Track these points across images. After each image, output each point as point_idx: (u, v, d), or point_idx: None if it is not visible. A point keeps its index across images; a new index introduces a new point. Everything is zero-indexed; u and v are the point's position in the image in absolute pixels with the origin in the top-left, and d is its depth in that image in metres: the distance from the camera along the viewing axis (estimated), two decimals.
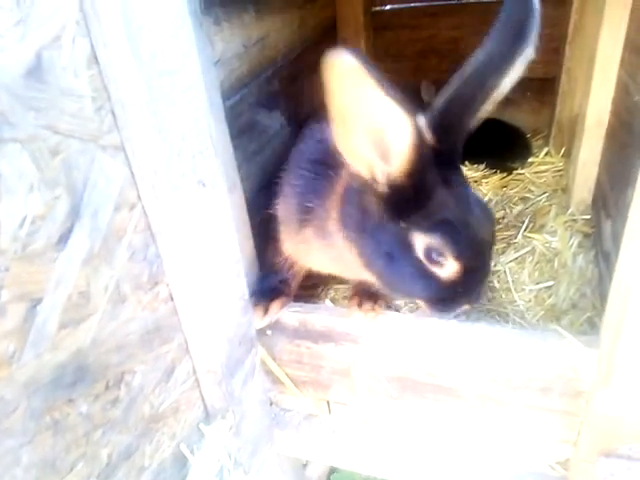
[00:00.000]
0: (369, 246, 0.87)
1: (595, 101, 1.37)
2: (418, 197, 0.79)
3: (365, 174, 0.79)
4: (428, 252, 0.81)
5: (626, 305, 0.83)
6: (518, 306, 1.35)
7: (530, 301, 1.37)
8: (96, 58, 0.66)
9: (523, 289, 1.40)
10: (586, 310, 1.32)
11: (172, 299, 0.88)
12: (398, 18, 2.01)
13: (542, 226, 1.60)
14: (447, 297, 0.87)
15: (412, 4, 1.97)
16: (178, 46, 0.74)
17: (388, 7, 2.00)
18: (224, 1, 1.18)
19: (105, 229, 0.71)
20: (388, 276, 0.89)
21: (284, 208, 1.17)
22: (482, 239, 0.83)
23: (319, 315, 1.13)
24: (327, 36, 1.89)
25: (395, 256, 0.84)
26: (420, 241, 0.81)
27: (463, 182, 0.86)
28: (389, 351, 1.09)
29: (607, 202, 1.35)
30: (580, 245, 1.50)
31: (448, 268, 0.82)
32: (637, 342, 0.84)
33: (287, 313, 1.14)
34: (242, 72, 1.31)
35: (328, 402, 1.26)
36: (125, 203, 0.75)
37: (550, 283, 1.41)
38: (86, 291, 0.70)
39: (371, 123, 0.70)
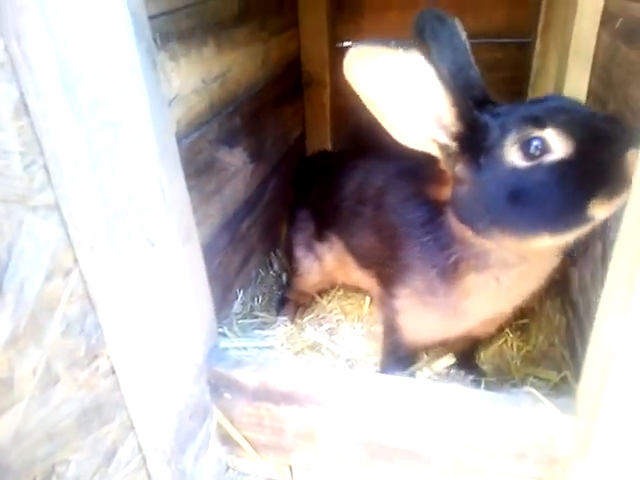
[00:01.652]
0: (495, 202, 0.76)
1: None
2: (485, 126, 0.77)
3: (435, 149, 0.79)
4: (526, 146, 0.72)
5: (605, 377, 0.79)
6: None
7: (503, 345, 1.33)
8: (26, 107, 0.57)
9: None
10: (555, 360, 1.29)
11: (114, 372, 0.77)
12: None
13: None
14: (581, 187, 0.71)
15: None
16: (125, 94, 0.65)
17: (353, 43, 1.97)
18: (182, 35, 1.11)
19: (33, 303, 0.61)
20: (527, 214, 0.75)
21: (411, 262, 0.99)
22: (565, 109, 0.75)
23: (281, 375, 1.04)
24: (290, 70, 1.84)
25: (514, 187, 0.74)
26: (514, 149, 0.74)
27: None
28: (356, 413, 1.01)
29: (573, 251, 1.34)
30: (547, 291, 1.48)
31: (555, 149, 0.71)
32: (618, 415, 0.80)
33: (246, 373, 1.04)
34: (201, 108, 1.23)
35: (290, 467, 1.16)
36: (59, 269, 0.65)
37: (525, 321, 1.39)
38: (8, 377, 0.59)
39: (418, 102, 0.73)
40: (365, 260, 1.19)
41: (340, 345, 1.33)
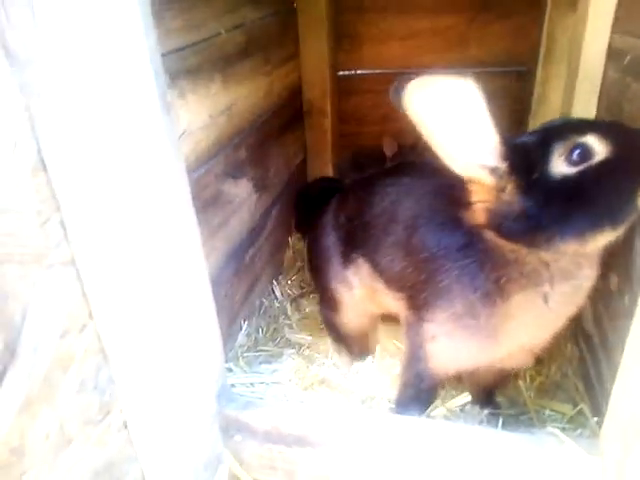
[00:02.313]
0: (556, 211, 0.80)
1: None
2: (529, 144, 0.83)
3: (483, 174, 0.81)
4: (573, 154, 0.79)
5: (635, 418, 0.77)
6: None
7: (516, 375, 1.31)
8: (43, 163, 0.55)
9: None
10: (569, 392, 1.27)
11: (126, 427, 0.74)
12: (363, 83, 2.00)
13: None
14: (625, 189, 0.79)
15: (377, 70, 1.97)
16: (141, 140, 0.64)
17: (353, 72, 1.99)
18: (190, 72, 1.10)
19: (48, 363, 0.58)
20: (586, 214, 0.80)
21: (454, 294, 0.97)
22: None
23: (293, 417, 1.01)
24: (292, 99, 1.85)
25: (569, 193, 0.80)
26: (562, 159, 0.79)
27: None
28: (372, 456, 0.98)
29: None
30: None
31: (598, 151, 0.78)
32: None
33: (257, 415, 1.01)
34: (208, 143, 1.22)
35: None
36: (74, 326, 0.63)
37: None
38: (19, 446, 0.56)
39: (469, 129, 0.77)
40: (396, 283, 1.14)
41: (351, 380, 1.31)
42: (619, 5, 1.19)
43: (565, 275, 0.88)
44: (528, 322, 0.93)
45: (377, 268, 1.18)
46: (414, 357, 1.10)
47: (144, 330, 0.73)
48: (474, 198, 0.87)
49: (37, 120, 0.52)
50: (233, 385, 1.27)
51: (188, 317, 0.88)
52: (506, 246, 0.87)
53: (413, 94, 0.75)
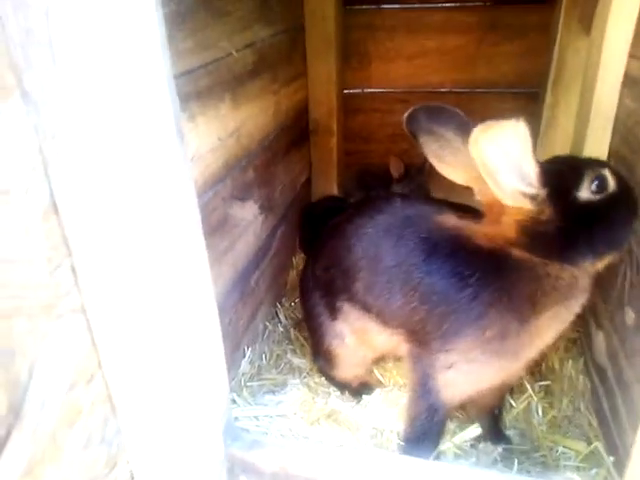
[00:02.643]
0: (588, 231, 0.91)
1: None
2: (562, 174, 0.92)
3: (525, 200, 0.90)
4: (596, 183, 0.90)
5: None
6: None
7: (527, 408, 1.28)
8: (55, 207, 0.51)
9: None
10: (582, 427, 1.23)
11: (133, 478, 0.70)
12: (370, 102, 1.98)
13: None
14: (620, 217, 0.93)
15: (384, 89, 1.95)
16: (154, 173, 0.60)
17: (361, 90, 1.96)
18: (201, 94, 1.07)
19: (54, 421, 0.54)
20: (613, 233, 0.94)
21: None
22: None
23: (302, 458, 0.96)
24: (299, 117, 1.82)
25: (599, 216, 0.91)
26: (588, 187, 0.90)
27: None
28: None
29: (597, 312, 1.30)
30: (566, 349, 1.44)
31: (611, 183, 0.91)
32: None
33: (264, 456, 0.97)
34: (217, 166, 1.18)
35: None
36: (82, 377, 0.58)
37: (547, 382, 1.34)
38: None
39: (517, 163, 0.86)
40: (396, 320, 1.10)
41: (358, 413, 1.26)
42: (637, 31, 1.17)
43: (582, 291, 0.96)
44: (550, 335, 0.99)
45: (370, 309, 1.14)
46: (424, 390, 1.07)
47: (153, 373, 0.69)
48: (506, 218, 0.94)
49: (50, 162, 0.48)
50: (237, 418, 1.22)
51: (195, 353, 0.83)
52: (536, 261, 0.93)
53: (478, 139, 0.82)
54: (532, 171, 0.87)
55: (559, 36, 1.61)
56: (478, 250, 0.97)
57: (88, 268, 0.55)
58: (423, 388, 1.07)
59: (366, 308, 1.15)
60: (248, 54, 1.32)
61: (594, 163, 0.96)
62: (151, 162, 0.67)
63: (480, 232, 0.99)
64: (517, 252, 0.93)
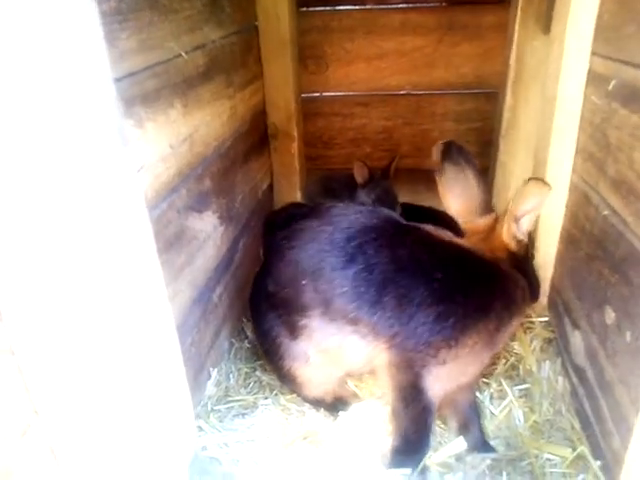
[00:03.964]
0: None
1: (547, 205, 1.33)
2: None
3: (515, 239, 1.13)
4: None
5: None
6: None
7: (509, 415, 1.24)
8: None
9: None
10: (565, 431, 1.20)
11: None
12: (330, 106, 1.92)
13: None
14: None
15: (343, 92, 1.90)
16: (93, 180, 0.51)
17: (319, 94, 1.91)
18: (148, 98, 0.98)
19: None
20: None
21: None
22: None
23: None
24: (256, 123, 1.74)
25: None
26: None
27: None
28: None
29: (572, 312, 1.28)
30: (542, 350, 1.42)
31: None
32: None
33: None
34: (169, 176, 1.09)
35: None
36: (16, 428, 0.48)
37: (526, 386, 1.32)
38: None
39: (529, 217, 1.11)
40: (380, 326, 1.04)
41: (335, 432, 1.19)
42: (597, 28, 1.16)
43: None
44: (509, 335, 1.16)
45: (352, 321, 1.06)
46: (416, 392, 1.05)
47: (104, 412, 0.59)
48: (497, 244, 1.15)
49: None
50: (205, 447, 1.12)
51: (153, 382, 0.74)
52: (517, 275, 1.13)
53: (531, 188, 1.05)
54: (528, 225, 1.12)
55: (516, 36, 1.61)
56: (474, 258, 1.10)
57: (15, 299, 0.46)
58: (414, 390, 1.05)
59: (346, 320, 1.07)
60: (199, 56, 1.23)
61: None
62: (92, 171, 0.58)
63: (474, 246, 1.13)
64: (504, 266, 1.12)
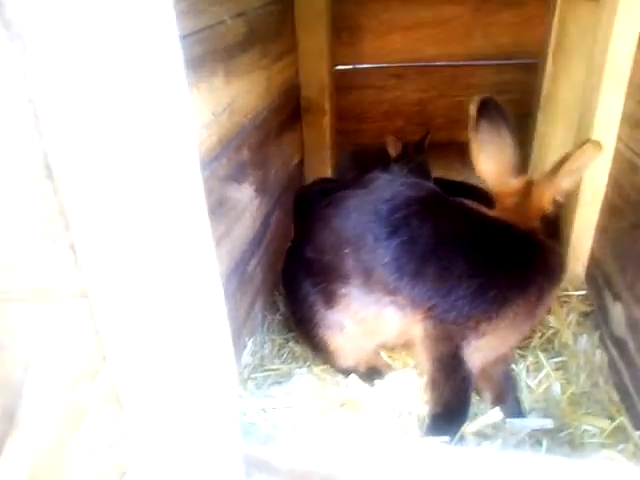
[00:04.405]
0: None
1: (590, 174, 1.30)
2: None
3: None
4: None
5: None
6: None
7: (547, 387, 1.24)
8: (49, 171, 0.43)
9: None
10: (602, 403, 1.20)
11: None
12: (363, 78, 1.90)
13: None
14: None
15: (377, 65, 1.87)
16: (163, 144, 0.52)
17: (352, 67, 1.88)
18: (193, 64, 0.98)
19: (56, 426, 0.46)
20: None
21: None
22: None
23: (322, 452, 0.89)
24: (290, 96, 1.73)
25: None
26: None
27: None
28: None
29: (613, 283, 1.26)
30: (579, 324, 1.40)
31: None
32: None
33: (280, 452, 0.89)
34: (211, 143, 1.09)
35: None
36: (85, 373, 0.50)
37: (563, 359, 1.32)
38: None
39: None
40: (422, 296, 1.05)
41: (372, 399, 1.20)
42: None
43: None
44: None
45: (393, 291, 1.07)
46: (455, 363, 1.06)
47: (162, 365, 0.61)
48: (532, 211, 1.11)
49: (42, 116, 0.40)
50: (244, 413, 1.15)
51: (203, 342, 0.76)
52: (551, 243, 1.11)
53: (591, 150, 1.00)
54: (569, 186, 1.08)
55: (559, 2, 1.55)
56: (510, 232, 1.08)
57: (89, 245, 0.47)
58: (454, 361, 1.06)
59: (385, 291, 1.08)
60: (240, 24, 1.22)
61: None
62: (156, 124, 0.58)
63: (507, 217, 1.10)
64: (542, 236, 1.09)
